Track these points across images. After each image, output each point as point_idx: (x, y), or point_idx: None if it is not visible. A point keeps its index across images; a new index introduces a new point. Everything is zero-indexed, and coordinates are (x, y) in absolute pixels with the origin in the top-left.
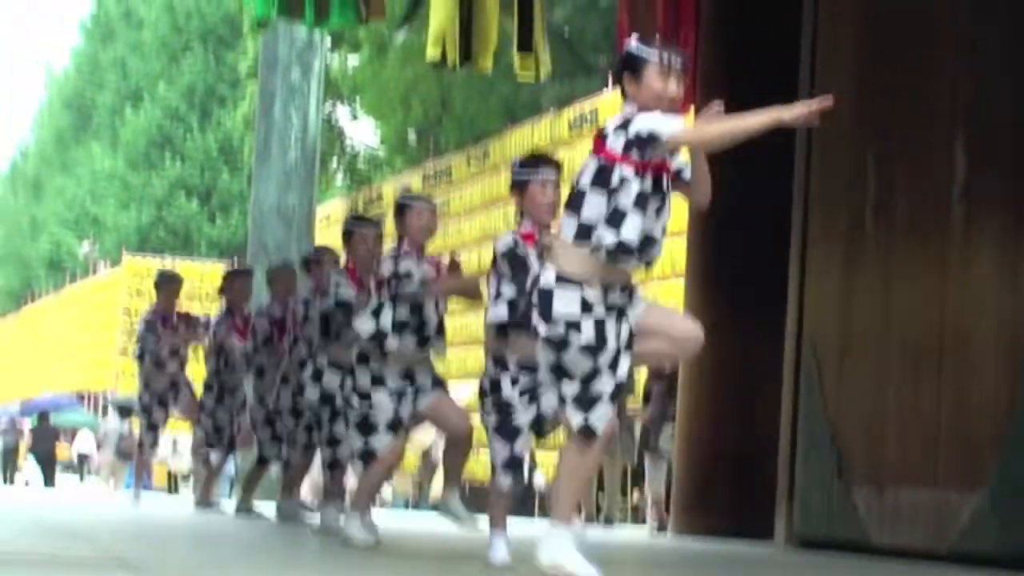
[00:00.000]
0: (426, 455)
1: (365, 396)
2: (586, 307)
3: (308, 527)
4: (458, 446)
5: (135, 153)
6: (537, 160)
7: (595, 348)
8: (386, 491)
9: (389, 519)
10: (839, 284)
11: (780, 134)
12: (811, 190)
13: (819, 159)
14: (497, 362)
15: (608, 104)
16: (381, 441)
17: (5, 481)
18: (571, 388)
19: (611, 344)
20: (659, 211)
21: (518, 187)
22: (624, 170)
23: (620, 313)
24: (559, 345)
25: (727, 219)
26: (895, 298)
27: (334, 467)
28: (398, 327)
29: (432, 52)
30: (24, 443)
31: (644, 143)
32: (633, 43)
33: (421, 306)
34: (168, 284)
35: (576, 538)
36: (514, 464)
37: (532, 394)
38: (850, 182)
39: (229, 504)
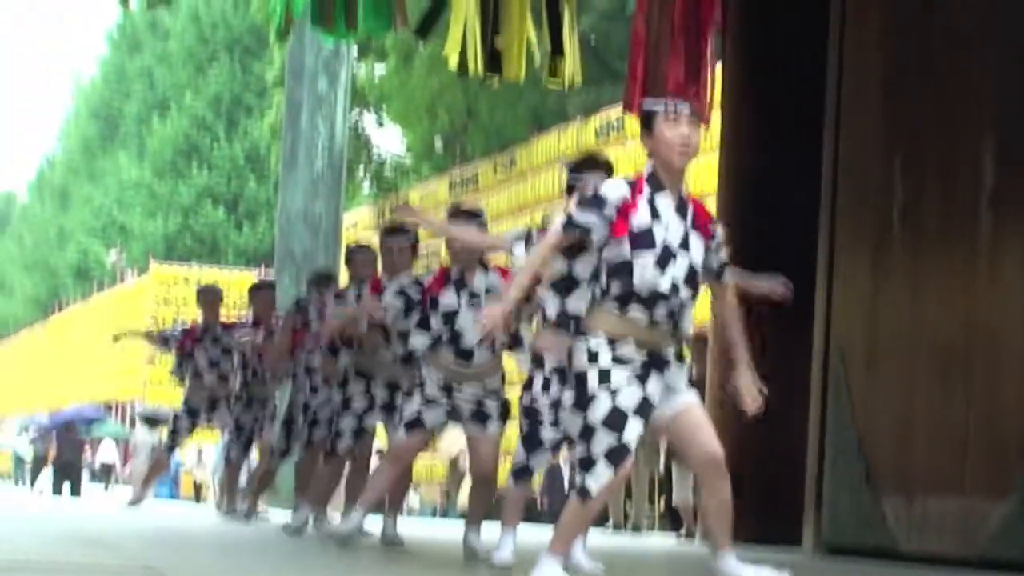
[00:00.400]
0: (454, 463)
1: (407, 393)
2: (592, 357)
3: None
4: (482, 486)
5: (162, 162)
6: (583, 165)
7: (584, 404)
8: (413, 499)
9: (416, 527)
10: (867, 290)
11: (807, 142)
12: (838, 196)
13: (846, 165)
14: (534, 359)
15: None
16: (397, 435)
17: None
18: (578, 447)
19: (607, 402)
20: (665, 263)
21: (568, 192)
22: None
23: (644, 376)
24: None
25: (754, 223)
26: (923, 304)
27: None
28: (432, 339)
29: (452, 60)
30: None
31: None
32: (644, 103)
33: (454, 318)
34: (207, 297)
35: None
36: (524, 473)
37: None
38: (878, 188)
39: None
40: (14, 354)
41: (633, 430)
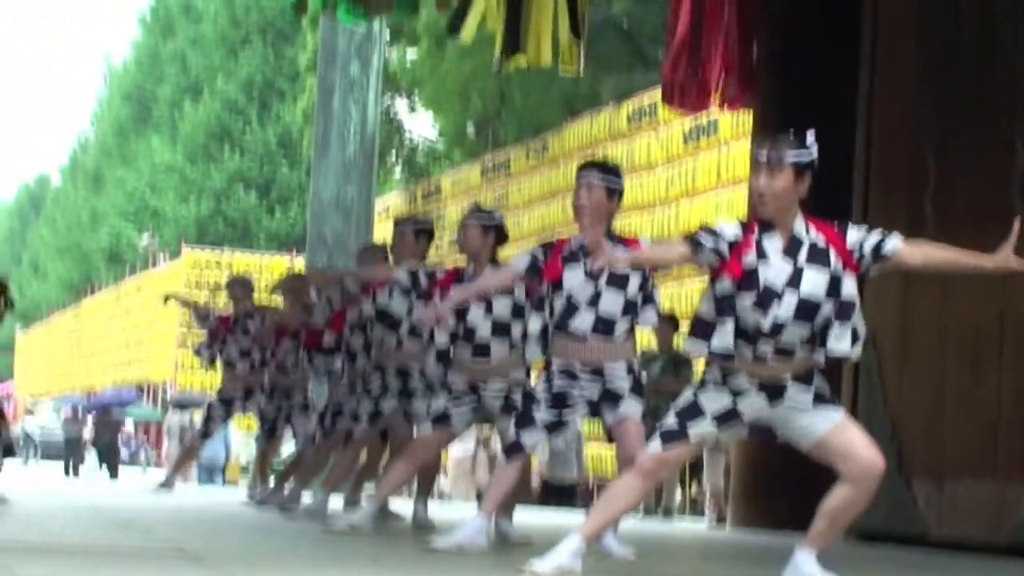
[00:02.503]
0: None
1: (431, 388)
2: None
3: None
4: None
5: (194, 146)
6: (583, 166)
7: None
8: (444, 483)
9: (448, 511)
10: (899, 277)
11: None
12: (870, 182)
13: (878, 151)
14: (546, 365)
15: None
16: (422, 427)
17: (68, 472)
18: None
19: (689, 397)
20: (766, 306)
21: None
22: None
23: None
24: None
25: None
26: (955, 291)
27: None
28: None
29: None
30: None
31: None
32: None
33: (465, 313)
34: (237, 289)
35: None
36: (515, 450)
37: (562, 399)
38: (909, 174)
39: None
40: (47, 337)
41: (701, 427)
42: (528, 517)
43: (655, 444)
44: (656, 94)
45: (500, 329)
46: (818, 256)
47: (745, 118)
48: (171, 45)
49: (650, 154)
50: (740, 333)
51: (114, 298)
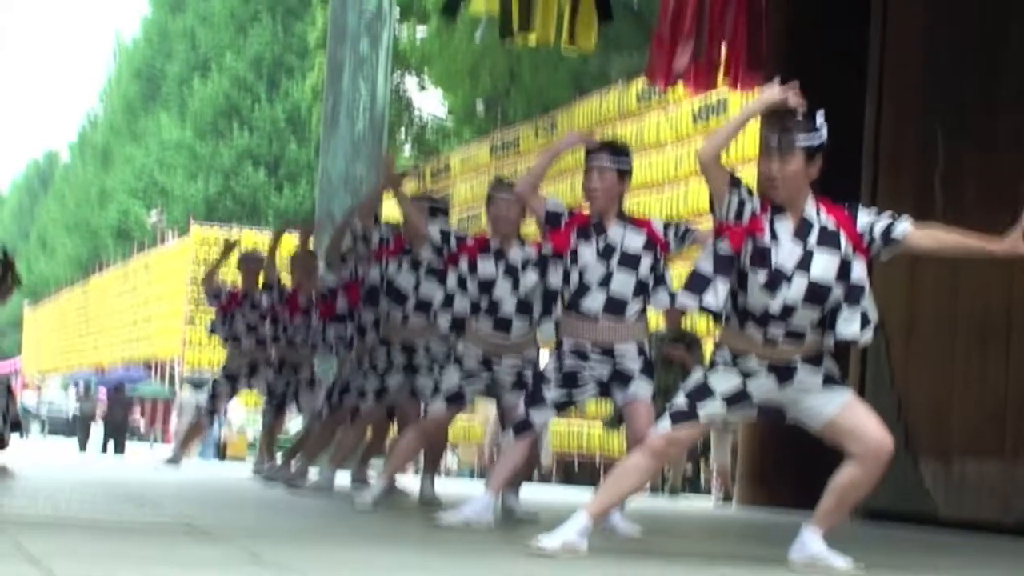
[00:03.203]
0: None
1: (441, 366)
2: (712, 365)
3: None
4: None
5: (203, 123)
6: (594, 148)
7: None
8: (451, 460)
9: (454, 487)
10: (906, 258)
11: (848, 106)
12: (880, 163)
13: (888, 132)
14: (557, 344)
15: None
16: (435, 404)
17: (83, 448)
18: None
19: (700, 377)
20: (775, 287)
21: (586, 172)
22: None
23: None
24: None
25: None
26: (962, 271)
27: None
28: (457, 305)
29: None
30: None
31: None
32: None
33: (491, 287)
34: (248, 264)
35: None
36: (524, 427)
37: (572, 379)
38: (919, 155)
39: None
40: (56, 314)
41: (711, 407)
42: (536, 494)
43: (664, 424)
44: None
45: (524, 307)
46: (828, 239)
47: (754, 97)
48: (180, 22)
49: (659, 133)
50: (750, 316)
51: (122, 275)
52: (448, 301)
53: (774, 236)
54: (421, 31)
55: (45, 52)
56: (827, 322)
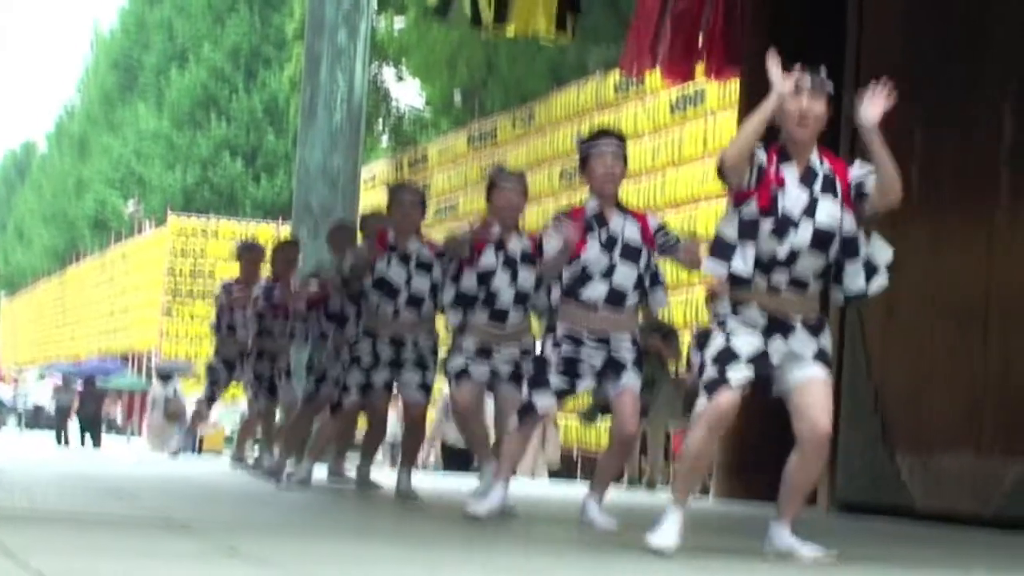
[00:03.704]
0: None
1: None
2: (716, 317)
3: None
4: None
5: (180, 113)
6: (598, 134)
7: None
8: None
9: (433, 481)
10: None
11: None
12: (856, 152)
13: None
14: (548, 329)
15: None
16: (453, 392)
17: (60, 442)
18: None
19: (720, 341)
20: (783, 233)
21: (582, 164)
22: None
23: (766, 334)
24: None
25: None
26: (941, 261)
27: (334, 411)
28: (464, 300)
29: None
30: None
31: (723, 175)
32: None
33: (490, 278)
34: (247, 254)
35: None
36: (528, 412)
37: (573, 365)
38: (897, 143)
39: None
40: (32, 305)
41: (739, 371)
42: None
43: (702, 400)
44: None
45: (521, 298)
46: (830, 187)
47: (732, 88)
48: (158, 12)
49: (637, 123)
50: (756, 263)
51: (99, 266)
52: (460, 299)
53: (781, 183)
54: (399, 22)
55: (22, 42)
56: (832, 275)
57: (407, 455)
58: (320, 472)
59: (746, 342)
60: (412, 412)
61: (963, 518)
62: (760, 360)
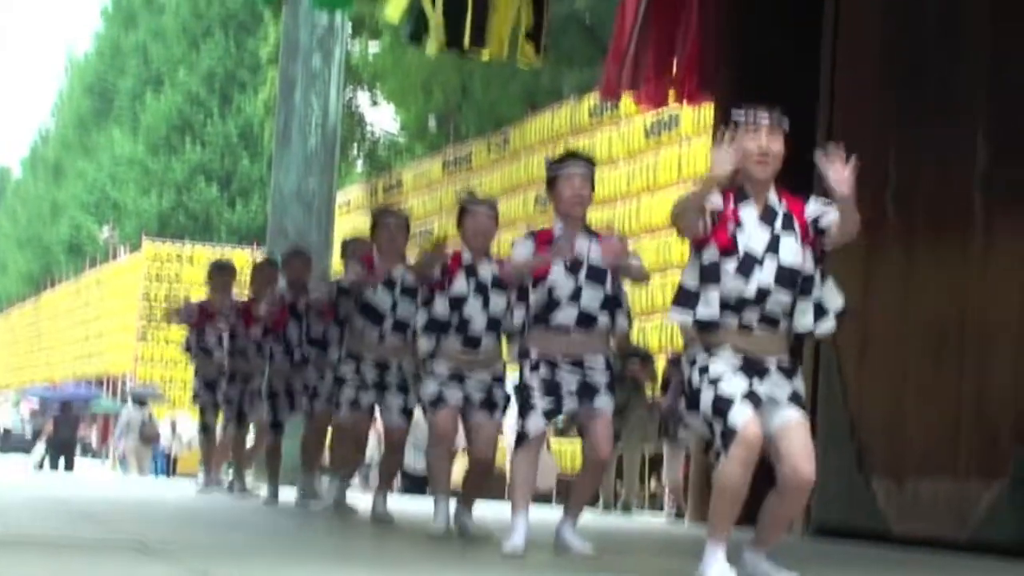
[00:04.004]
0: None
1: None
2: (692, 361)
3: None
4: (480, 470)
5: (155, 138)
6: (566, 156)
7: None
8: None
9: (407, 504)
10: (859, 273)
11: (799, 123)
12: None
13: (840, 149)
14: (521, 354)
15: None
16: (429, 420)
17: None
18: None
19: (709, 394)
20: (748, 271)
21: (549, 185)
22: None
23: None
24: None
25: None
26: (915, 288)
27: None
28: (437, 326)
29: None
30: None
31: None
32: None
33: (462, 304)
34: (218, 275)
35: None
36: (522, 439)
37: (555, 387)
38: (871, 172)
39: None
40: (7, 329)
41: (740, 413)
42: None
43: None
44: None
45: (493, 324)
46: (789, 224)
47: (706, 113)
48: (133, 37)
49: (611, 148)
50: (724, 304)
51: (74, 291)
52: (432, 325)
53: (739, 223)
54: (373, 46)
55: None
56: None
57: (384, 478)
58: (289, 494)
59: (733, 384)
60: (393, 436)
61: (939, 542)
62: (752, 396)
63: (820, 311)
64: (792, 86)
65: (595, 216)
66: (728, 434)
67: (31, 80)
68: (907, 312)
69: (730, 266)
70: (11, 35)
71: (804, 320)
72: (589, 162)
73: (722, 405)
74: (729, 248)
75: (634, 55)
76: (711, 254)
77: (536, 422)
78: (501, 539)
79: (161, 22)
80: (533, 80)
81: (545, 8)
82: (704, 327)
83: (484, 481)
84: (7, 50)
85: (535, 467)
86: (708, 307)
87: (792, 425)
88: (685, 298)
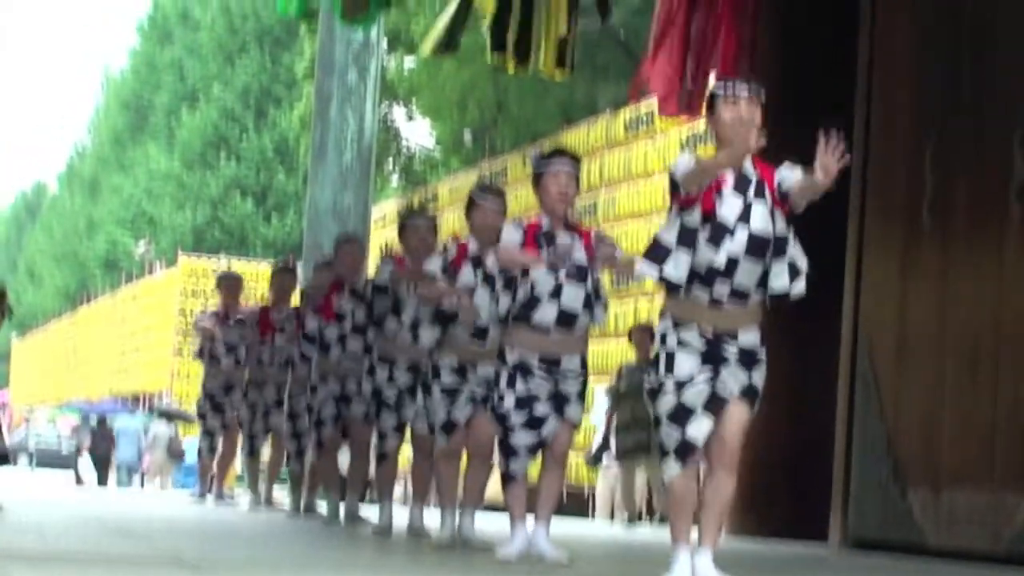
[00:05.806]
0: None
1: (427, 389)
2: (661, 339)
3: (370, 525)
4: (480, 466)
5: (191, 153)
6: (553, 153)
7: (655, 392)
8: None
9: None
10: (895, 284)
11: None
12: (868, 190)
13: (876, 160)
14: (499, 353)
15: None
16: (437, 442)
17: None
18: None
19: (672, 399)
20: (719, 240)
21: (534, 181)
22: (673, 209)
23: (718, 357)
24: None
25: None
26: (952, 299)
27: (380, 460)
28: (443, 318)
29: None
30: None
31: (674, 184)
32: (712, 86)
33: (470, 296)
34: (226, 283)
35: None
36: (509, 479)
37: (529, 401)
38: (907, 182)
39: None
40: (43, 345)
41: (699, 429)
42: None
43: (674, 468)
44: (653, 102)
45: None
46: (761, 191)
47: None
48: (168, 53)
49: (647, 162)
50: (696, 276)
51: (110, 306)
52: (439, 316)
53: (718, 190)
54: (409, 61)
55: (33, 84)
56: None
57: (419, 491)
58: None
59: (696, 392)
60: (426, 444)
61: (975, 555)
62: (712, 403)
63: (794, 272)
64: (829, 97)
65: (631, 228)
66: (686, 448)
67: (68, 97)
68: (943, 323)
69: (704, 235)
70: (48, 53)
71: (779, 282)
72: (575, 159)
73: (683, 415)
74: (709, 214)
75: (659, 66)
76: (693, 219)
77: (523, 464)
78: (497, 547)
79: (196, 38)
80: (568, 95)
81: (573, 22)
82: (672, 291)
83: (485, 477)
84: (44, 68)
85: (526, 488)
86: (676, 270)
87: (735, 404)
88: (656, 252)
